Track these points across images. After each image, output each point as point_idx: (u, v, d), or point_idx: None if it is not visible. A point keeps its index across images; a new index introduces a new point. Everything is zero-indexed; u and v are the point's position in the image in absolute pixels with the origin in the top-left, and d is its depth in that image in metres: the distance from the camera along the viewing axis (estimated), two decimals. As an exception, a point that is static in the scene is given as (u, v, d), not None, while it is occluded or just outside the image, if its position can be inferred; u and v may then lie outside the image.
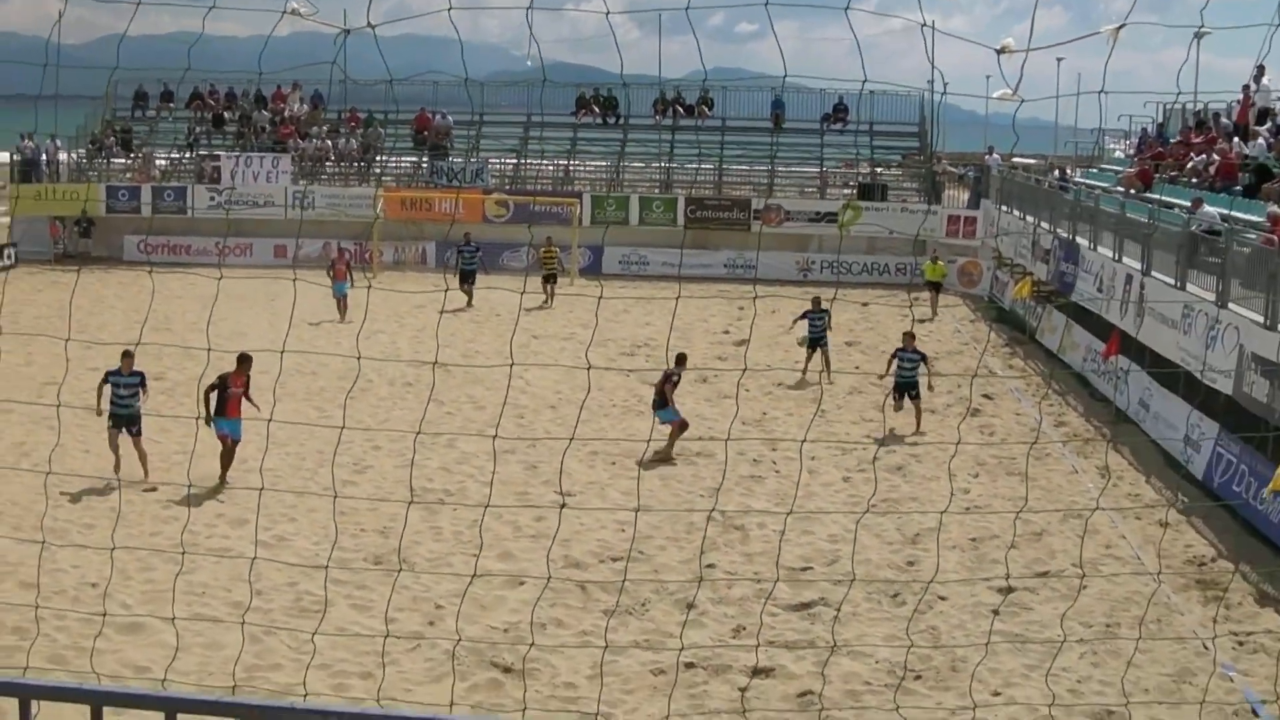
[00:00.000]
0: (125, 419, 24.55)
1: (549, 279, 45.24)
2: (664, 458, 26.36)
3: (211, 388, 23.79)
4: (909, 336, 29.76)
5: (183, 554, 18.07)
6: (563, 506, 20.79)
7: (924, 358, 29.31)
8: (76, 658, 16.45)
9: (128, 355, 24.45)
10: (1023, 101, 7.37)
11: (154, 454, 25.47)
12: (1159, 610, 18.94)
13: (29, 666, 13.16)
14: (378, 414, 29.01)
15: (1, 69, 9.06)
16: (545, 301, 44.96)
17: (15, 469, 22.34)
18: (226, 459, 24.16)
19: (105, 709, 5.36)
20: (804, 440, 25.55)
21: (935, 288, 46.97)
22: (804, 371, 33.37)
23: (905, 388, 29.31)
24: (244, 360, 24.37)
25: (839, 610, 18.39)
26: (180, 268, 50.43)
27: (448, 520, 22.17)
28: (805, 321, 33.51)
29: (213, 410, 23.98)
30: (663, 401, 26.61)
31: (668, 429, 26.73)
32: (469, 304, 44.81)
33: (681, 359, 27.58)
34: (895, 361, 29.48)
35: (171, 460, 25.35)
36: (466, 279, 44.96)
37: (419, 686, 15.86)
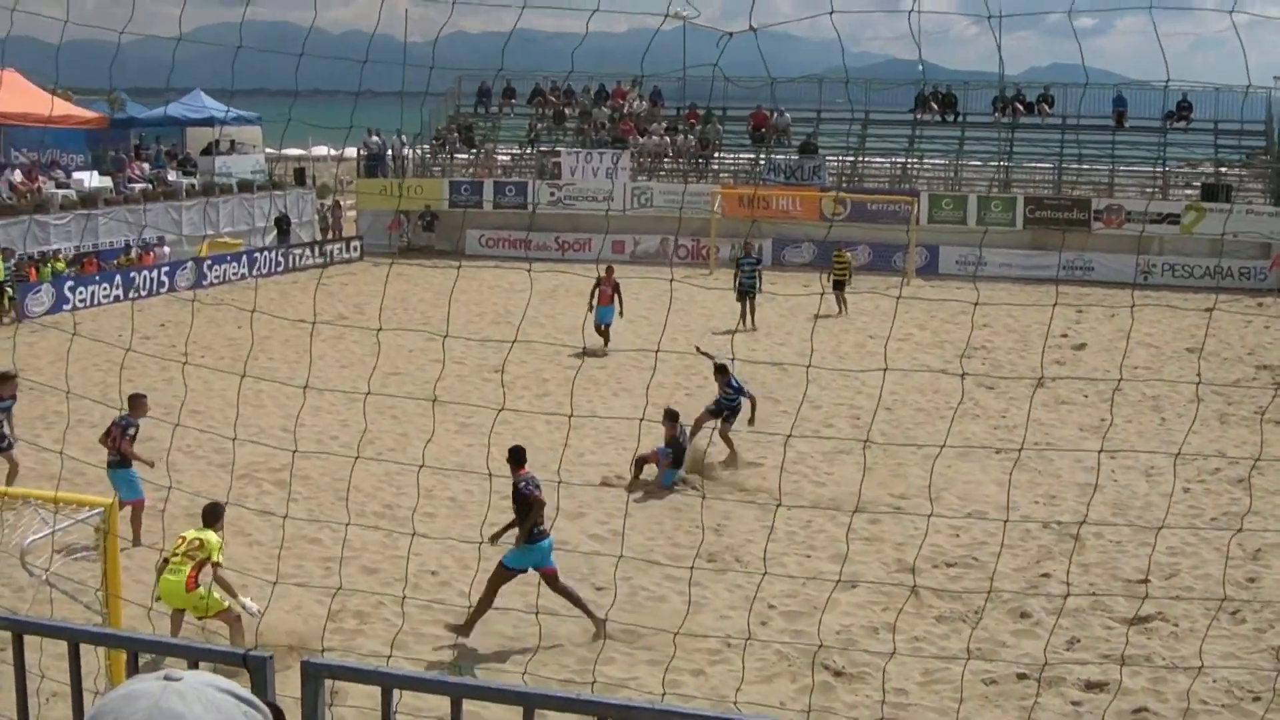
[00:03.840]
0: None
1: (839, 286, 43.17)
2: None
3: None
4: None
5: (554, 549, 18.41)
6: (903, 510, 20.79)
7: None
8: (415, 643, 17.08)
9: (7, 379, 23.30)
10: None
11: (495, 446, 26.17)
12: None
13: (391, 656, 13.68)
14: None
15: (348, 65, 9.44)
16: (839, 310, 43.32)
17: (361, 458, 23.08)
18: None
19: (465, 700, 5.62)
20: (1149, 451, 25.14)
21: None
22: None
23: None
24: None
25: (1177, 626, 18.08)
26: (520, 262, 51.67)
27: (781, 519, 22.29)
28: None
29: None
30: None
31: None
32: (752, 325, 41.17)
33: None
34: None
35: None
36: (746, 295, 40.79)
37: (750, 686, 15.97)
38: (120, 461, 21.01)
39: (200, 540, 16.72)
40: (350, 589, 18.08)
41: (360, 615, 18.14)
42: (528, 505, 17.90)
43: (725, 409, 26.56)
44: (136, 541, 20.23)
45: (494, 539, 18.33)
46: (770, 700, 15.36)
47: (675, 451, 24.64)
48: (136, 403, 21.34)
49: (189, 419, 25.00)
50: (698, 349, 27.59)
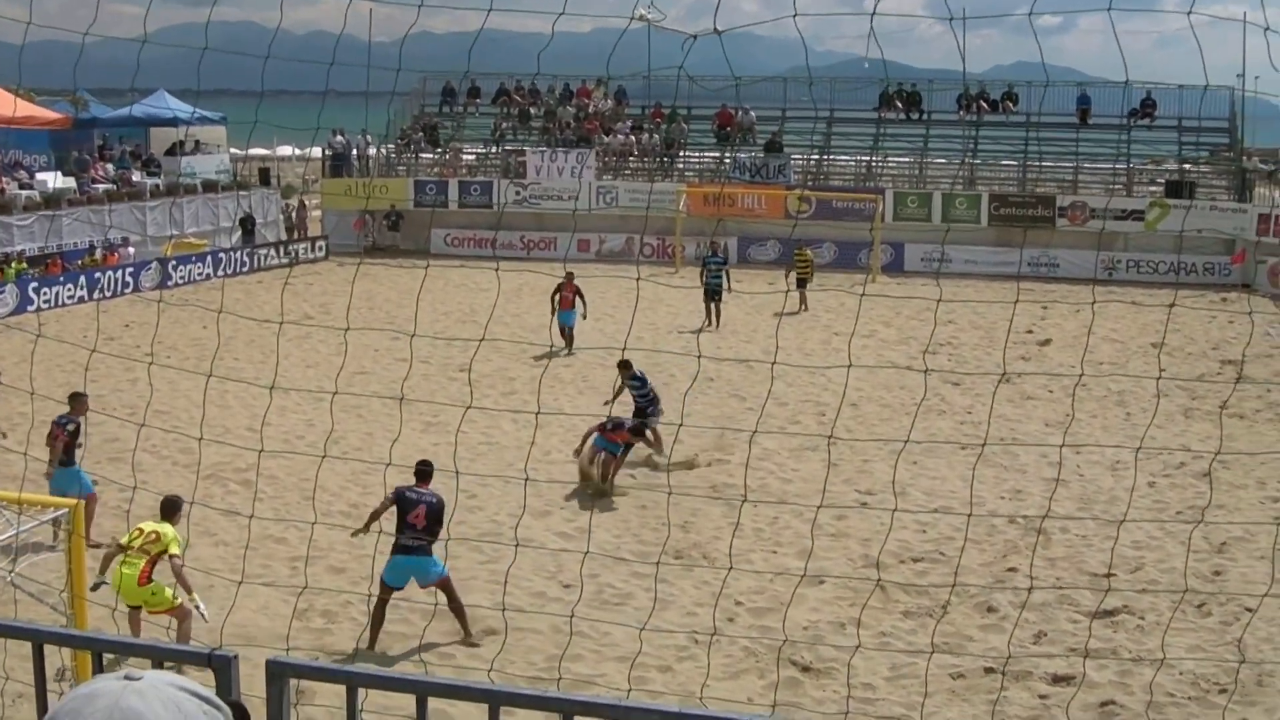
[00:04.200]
0: None
1: (801, 284, 43.41)
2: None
3: None
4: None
5: (521, 546, 18.42)
6: (885, 506, 20.79)
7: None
8: (381, 641, 17.08)
9: None
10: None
11: (462, 445, 26.13)
12: None
13: (358, 654, 13.65)
14: (678, 408, 29.27)
15: (313, 65, 9.41)
16: (800, 307, 43.44)
17: (328, 457, 23.00)
18: None
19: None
20: (1114, 445, 25.21)
21: None
22: None
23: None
24: None
25: (1143, 619, 18.14)
26: (486, 261, 51.66)
27: (748, 516, 22.28)
28: None
29: None
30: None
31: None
32: (717, 325, 40.67)
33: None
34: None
35: (476, 450, 25.95)
36: (713, 295, 40.44)
37: (717, 682, 15.96)
38: (67, 460, 20.91)
39: (157, 533, 16.53)
40: (317, 588, 18.03)
41: (328, 614, 18.11)
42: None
43: (641, 406, 26.60)
44: (86, 540, 20.06)
45: (355, 533, 18.13)
46: (738, 696, 15.37)
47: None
48: (77, 401, 21.31)
49: (154, 419, 24.95)
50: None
